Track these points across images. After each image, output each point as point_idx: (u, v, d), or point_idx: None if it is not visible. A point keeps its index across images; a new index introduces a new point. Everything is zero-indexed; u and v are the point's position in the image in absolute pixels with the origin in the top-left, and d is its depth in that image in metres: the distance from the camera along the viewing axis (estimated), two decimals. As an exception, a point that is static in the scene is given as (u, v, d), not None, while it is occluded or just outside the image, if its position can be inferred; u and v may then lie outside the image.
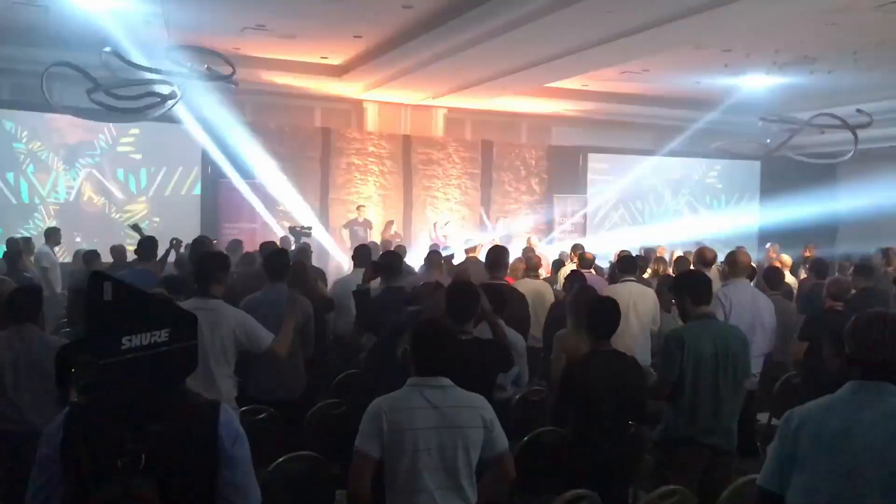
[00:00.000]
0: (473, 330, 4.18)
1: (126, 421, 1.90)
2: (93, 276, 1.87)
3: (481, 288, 4.58)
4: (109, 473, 1.85)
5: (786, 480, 2.40)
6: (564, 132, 16.96)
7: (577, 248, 10.30)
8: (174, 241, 7.93)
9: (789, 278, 8.83)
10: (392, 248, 8.65)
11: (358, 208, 14.15)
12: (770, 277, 7.04)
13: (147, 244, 7.14)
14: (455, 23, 9.43)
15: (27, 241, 10.01)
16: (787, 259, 10.37)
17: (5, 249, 9.55)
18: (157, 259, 7.41)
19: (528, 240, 13.09)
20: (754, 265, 8.79)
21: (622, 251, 8.89)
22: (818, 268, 8.07)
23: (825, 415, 2.39)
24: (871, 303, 6.56)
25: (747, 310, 5.51)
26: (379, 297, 5.39)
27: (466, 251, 9.80)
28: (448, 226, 14.21)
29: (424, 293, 4.79)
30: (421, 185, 15.42)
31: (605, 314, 4.18)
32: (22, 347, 3.99)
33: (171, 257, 7.80)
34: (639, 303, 6.15)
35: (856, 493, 2.29)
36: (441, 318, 3.68)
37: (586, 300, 4.67)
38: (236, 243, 9.75)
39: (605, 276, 8.33)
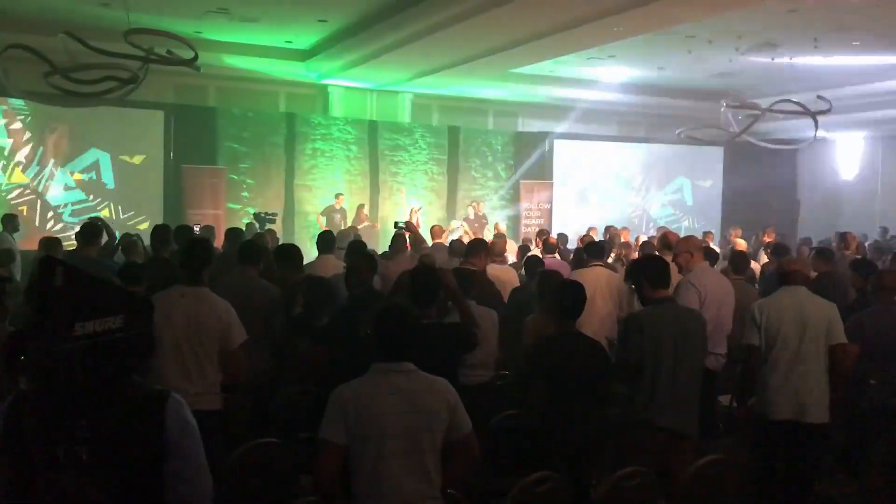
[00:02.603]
0: (436, 313, 4.20)
1: (73, 410, 1.86)
2: (43, 260, 1.82)
3: (452, 272, 4.60)
4: (53, 465, 1.81)
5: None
6: (531, 118, 17.00)
7: (542, 234, 10.35)
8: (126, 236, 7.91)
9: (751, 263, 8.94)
10: (352, 237, 8.62)
11: (336, 196, 14.03)
12: (736, 262, 7.13)
13: (88, 230, 6.89)
14: (420, 7, 9.38)
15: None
16: (742, 243, 10.52)
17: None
18: (102, 246, 7.25)
19: (496, 225, 13.14)
20: (717, 249, 8.90)
21: (586, 236, 8.95)
22: (778, 251, 8.19)
23: None
24: (829, 286, 6.70)
25: (719, 291, 5.56)
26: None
27: (432, 235, 9.79)
28: (420, 212, 14.16)
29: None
30: (387, 171, 15.36)
31: (570, 297, 4.21)
32: None
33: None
34: (605, 287, 6.17)
35: None
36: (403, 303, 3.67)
37: (552, 285, 4.70)
38: (209, 229, 9.67)
39: (570, 260, 8.37)
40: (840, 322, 4.48)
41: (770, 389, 4.41)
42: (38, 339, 1.79)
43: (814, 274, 7.05)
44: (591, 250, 6.73)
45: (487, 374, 5.08)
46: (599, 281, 6.13)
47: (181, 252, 4.58)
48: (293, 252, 5.96)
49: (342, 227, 12.52)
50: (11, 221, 10.26)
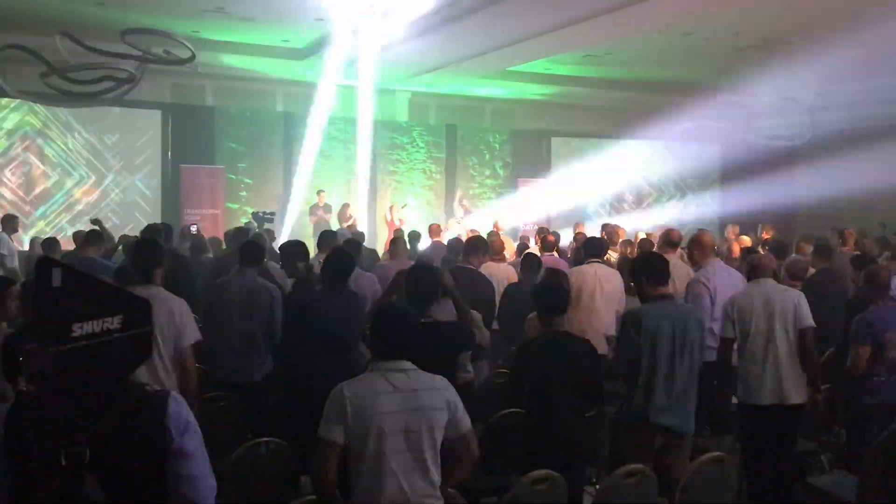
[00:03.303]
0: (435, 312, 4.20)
1: (74, 412, 1.85)
2: (41, 261, 1.82)
3: (450, 272, 4.60)
4: (55, 467, 1.80)
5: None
6: (528, 116, 16.99)
7: (541, 232, 10.34)
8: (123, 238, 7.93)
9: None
10: (349, 236, 8.62)
11: (318, 192, 14.02)
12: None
13: (90, 231, 6.96)
14: (418, 6, 9.36)
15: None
16: (746, 240, 10.52)
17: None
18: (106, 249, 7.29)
19: (495, 223, 13.12)
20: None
21: (578, 234, 8.93)
22: (776, 248, 8.18)
23: None
24: (829, 282, 6.70)
25: (728, 287, 5.55)
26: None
27: (431, 234, 9.79)
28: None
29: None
30: (385, 170, 15.35)
31: (549, 293, 4.21)
32: None
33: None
34: (605, 284, 6.16)
35: None
36: (400, 302, 3.68)
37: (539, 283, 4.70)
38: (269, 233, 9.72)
39: (569, 258, 8.37)
40: (806, 306, 4.74)
41: (751, 378, 4.65)
42: (36, 341, 1.78)
43: (812, 270, 7.05)
44: (590, 248, 6.71)
45: (465, 375, 5.06)
46: (599, 279, 6.12)
47: (130, 253, 4.56)
48: (298, 248, 5.93)
49: (328, 225, 12.46)
50: (11, 222, 10.26)
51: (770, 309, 4.65)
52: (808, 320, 4.68)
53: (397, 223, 13.35)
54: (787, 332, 4.64)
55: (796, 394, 4.63)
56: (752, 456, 4.69)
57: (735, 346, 4.78)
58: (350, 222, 13.24)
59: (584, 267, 6.37)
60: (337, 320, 4.65)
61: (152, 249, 4.38)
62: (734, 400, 4.97)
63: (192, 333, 4.17)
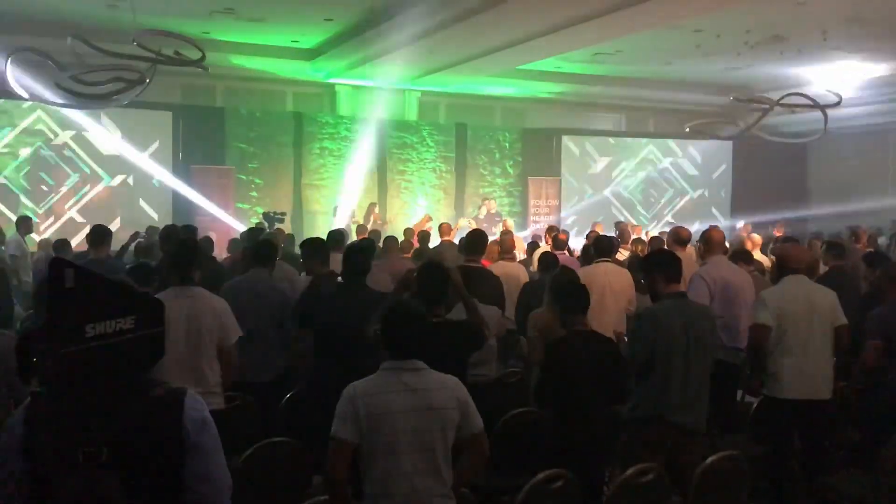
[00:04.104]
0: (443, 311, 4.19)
1: (89, 411, 1.86)
2: (53, 262, 1.82)
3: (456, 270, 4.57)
4: (72, 466, 1.81)
5: None
6: (538, 115, 16.96)
7: (551, 230, 10.33)
8: (135, 235, 7.97)
9: (761, 257, 8.89)
10: (366, 234, 8.64)
11: (370, 205, 13.93)
12: (741, 255, 7.11)
13: (98, 232, 6.95)
14: (426, 4, 9.36)
15: (-6, 229, 9.86)
16: (757, 238, 10.48)
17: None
18: (119, 249, 7.32)
19: (504, 222, 13.11)
20: (726, 244, 8.86)
21: (591, 232, 8.92)
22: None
23: None
24: (841, 280, 6.66)
25: (730, 285, 5.56)
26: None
27: (441, 233, 9.79)
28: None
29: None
30: (395, 170, 15.36)
31: (573, 292, 4.20)
32: None
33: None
34: (615, 283, 6.13)
35: None
36: (412, 301, 3.68)
37: (558, 283, 4.68)
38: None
39: (579, 257, 8.35)
40: (839, 306, 4.78)
41: (785, 372, 4.62)
42: (50, 341, 1.78)
43: (825, 268, 7.02)
44: (599, 247, 6.69)
45: (490, 372, 5.07)
46: (608, 277, 6.10)
47: (170, 254, 4.63)
48: (318, 245, 5.92)
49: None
50: (25, 223, 10.33)
51: (810, 304, 4.66)
52: (844, 318, 4.74)
53: (374, 224, 13.11)
54: (823, 328, 4.67)
55: (827, 389, 4.67)
56: (778, 452, 4.68)
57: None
58: (376, 223, 13.22)
59: (593, 266, 6.35)
60: (354, 319, 4.63)
61: (192, 250, 4.43)
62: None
63: (235, 332, 4.29)
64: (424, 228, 11.70)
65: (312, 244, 5.91)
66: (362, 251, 5.00)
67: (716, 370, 4.38)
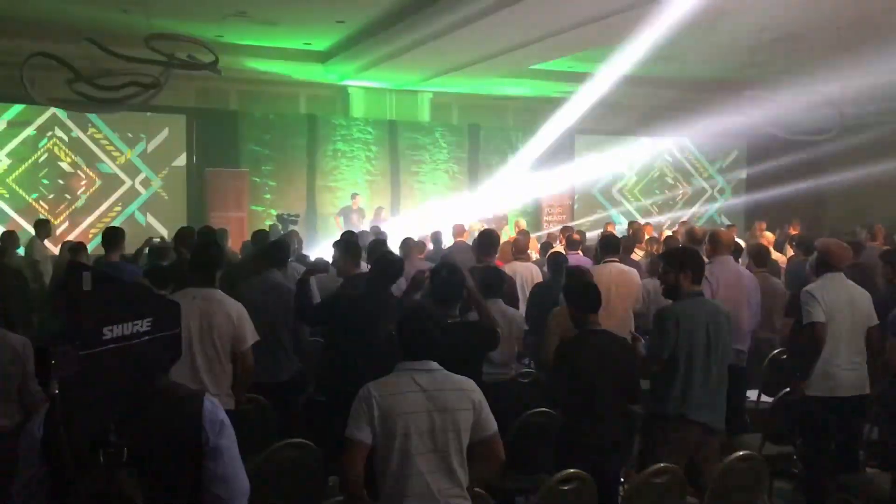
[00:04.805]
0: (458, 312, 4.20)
1: (109, 413, 1.88)
2: (71, 265, 1.84)
3: (471, 271, 4.58)
4: (92, 467, 1.83)
5: None
6: (551, 115, 16.88)
7: (565, 230, 10.31)
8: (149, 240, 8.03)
9: (776, 255, 8.86)
10: (374, 236, 8.64)
11: (353, 196, 14.05)
12: (756, 255, 7.08)
13: (112, 235, 6.95)
14: (438, 5, 9.37)
15: (10, 234, 9.91)
16: (769, 236, 10.43)
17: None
18: (134, 252, 7.37)
19: (517, 222, 13.10)
20: (741, 243, 8.83)
21: (605, 232, 8.89)
22: (804, 244, 8.10)
23: None
24: (858, 278, 6.61)
25: (733, 286, 5.55)
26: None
27: (455, 234, 9.79)
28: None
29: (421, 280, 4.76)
30: (408, 171, 15.37)
31: (582, 292, 4.19)
32: None
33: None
34: (620, 283, 6.10)
35: None
36: (426, 303, 3.69)
37: (571, 283, 4.68)
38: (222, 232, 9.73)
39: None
40: (873, 306, 4.84)
41: (824, 370, 4.63)
42: (68, 344, 1.80)
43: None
44: (606, 246, 6.65)
45: (507, 372, 5.08)
46: (613, 277, 6.07)
47: (192, 255, 4.65)
48: (352, 246, 5.87)
49: (359, 228, 12.50)
50: (44, 227, 10.40)
51: (851, 303, 4.72)
52: (876, 318, 4.81)
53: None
54: (860, 327, 4.73)
55: (864, 384, 4.74)
56: (816, 450, 4.73)
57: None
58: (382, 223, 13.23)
59: (600, 266, 6.34)
60: (378, 323, 4.62)
61: (214, 252, 4.44)
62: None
63: (252, 335, 4.27)
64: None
65: (347, 245, 5.78)
66: (394, 264, 4.95)
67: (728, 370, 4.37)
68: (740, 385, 5.45)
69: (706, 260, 5.89)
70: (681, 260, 4.39)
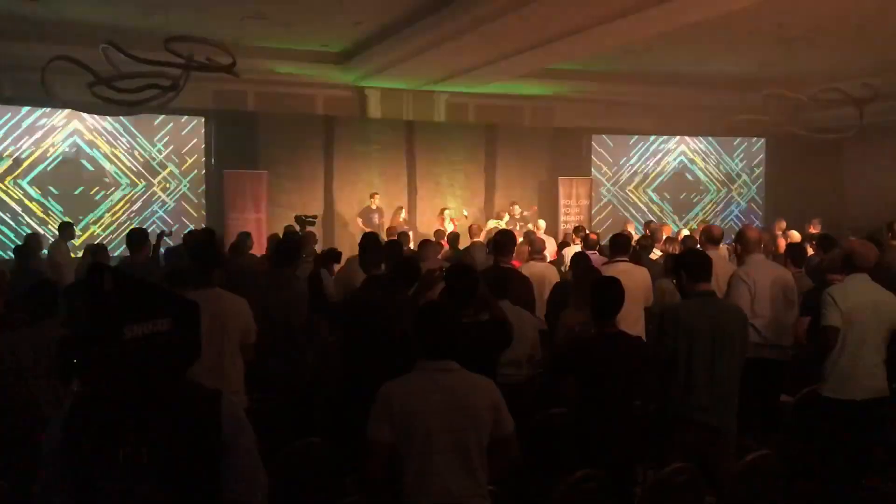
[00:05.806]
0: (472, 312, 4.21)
1: (129, 411, 1.90)
2: (92, 266, 1.87)
3: (486, 272, 4.58)
4: (112, 465, 1.85)
5: None
6: (568, 114, 16.86)
7: (579, 231, 10.29)
8: (161, 234, 8.16)
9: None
10: (396, 236, 8.66)
11: (371, 196, 14.09)
12: (794, 254, 7.05)
13: (135, 235, 7.04)
14: (455, 6, 9.37)
15: (34, 237, 10.03)
16: (795, 235, 10.33)
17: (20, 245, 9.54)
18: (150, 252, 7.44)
19: (536, 223, 13.09)
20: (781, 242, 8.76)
21: (617, 233, 8.86)
22: (823, 243, 8.03)
23: None
24: (879, 276, 6.55)
25: (770, 284, 5.50)
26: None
27: (470, 234, 9.80)
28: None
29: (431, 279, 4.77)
30: (425, 171, 15.39)
31: (606, 295, 4.18)
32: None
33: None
34: (628, 283, 6.08)
35: None
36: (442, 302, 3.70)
37: (589, 280, 4.68)
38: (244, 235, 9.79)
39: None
40: None
41: (841, 372, 4.55)
42: (90, 344, 1.83)
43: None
44: (615, 246, 6.64)
45: (521, 373, 5.07)
46: (621, 277, 6.04)
47: (192, 255, 4.72)
48: (377, 246, 5.87)
49: (379, 228, 12.56)
50: (68, 229, 10.51)
51: (874, 306, 4.63)
52: None
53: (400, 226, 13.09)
54: (882, 330, 4.65)
55: (884, 386, 4.67)
56: (832, 452, 4.66)
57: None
58: (400, 227, 13.25)
59: (610, 266, 6.32)
60: (395, 323, 4.63)
61: (212, 251, 4.50)
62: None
63: (255, 330, 4.40)
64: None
65: (371, 246, 5.68)
66: (411, 266, 4.98)
67: (760, 369, 4.35)
68: (778, 381, 5.42)
69: (737, 261, 5.86)
70: (677, 262, 4.47)
